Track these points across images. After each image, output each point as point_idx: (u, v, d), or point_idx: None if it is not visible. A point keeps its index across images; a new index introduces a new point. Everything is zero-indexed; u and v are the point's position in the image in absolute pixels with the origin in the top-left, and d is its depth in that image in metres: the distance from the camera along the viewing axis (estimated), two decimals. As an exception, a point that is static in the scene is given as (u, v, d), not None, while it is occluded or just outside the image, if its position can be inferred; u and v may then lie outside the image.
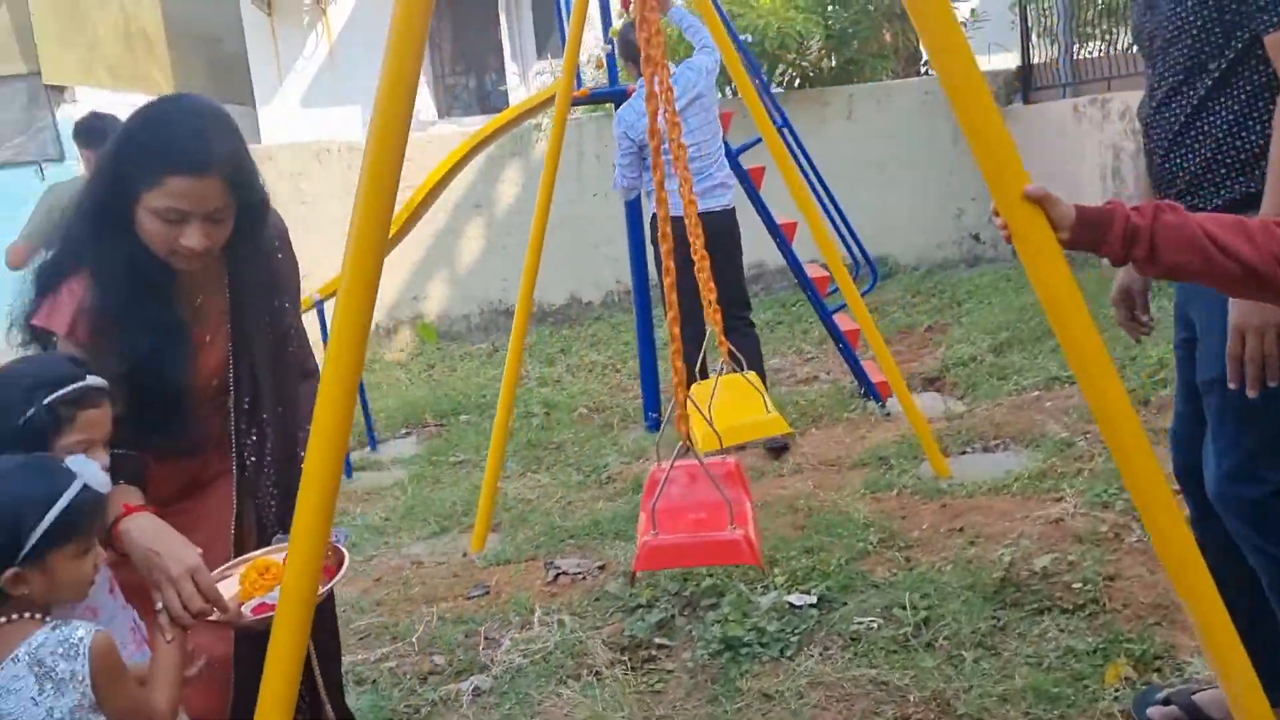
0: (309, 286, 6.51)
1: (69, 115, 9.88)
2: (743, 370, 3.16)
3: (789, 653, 3.32)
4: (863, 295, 6.77)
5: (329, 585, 2.10)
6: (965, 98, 1.66)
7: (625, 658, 3.41)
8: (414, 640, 3.73)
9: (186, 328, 2.15)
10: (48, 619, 1.62)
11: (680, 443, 2.50)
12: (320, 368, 2.06)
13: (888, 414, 5.65)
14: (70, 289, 2.03)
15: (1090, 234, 1.69)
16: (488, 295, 9.70)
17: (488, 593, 4.10)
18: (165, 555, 1.90)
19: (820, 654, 3.30)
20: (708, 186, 5.29)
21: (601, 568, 4.17)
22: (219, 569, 2.09)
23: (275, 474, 2.28)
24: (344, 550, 2.16)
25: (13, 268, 5.41)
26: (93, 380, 1.86)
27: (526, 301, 4.65)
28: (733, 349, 3.17)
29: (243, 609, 2.01)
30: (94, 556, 1.70)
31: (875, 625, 3.40)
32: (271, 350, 2.27)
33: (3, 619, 1.60)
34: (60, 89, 9.78)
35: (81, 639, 1.60)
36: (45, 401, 1.78)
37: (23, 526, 1.59)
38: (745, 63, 6.56)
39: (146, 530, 1.94)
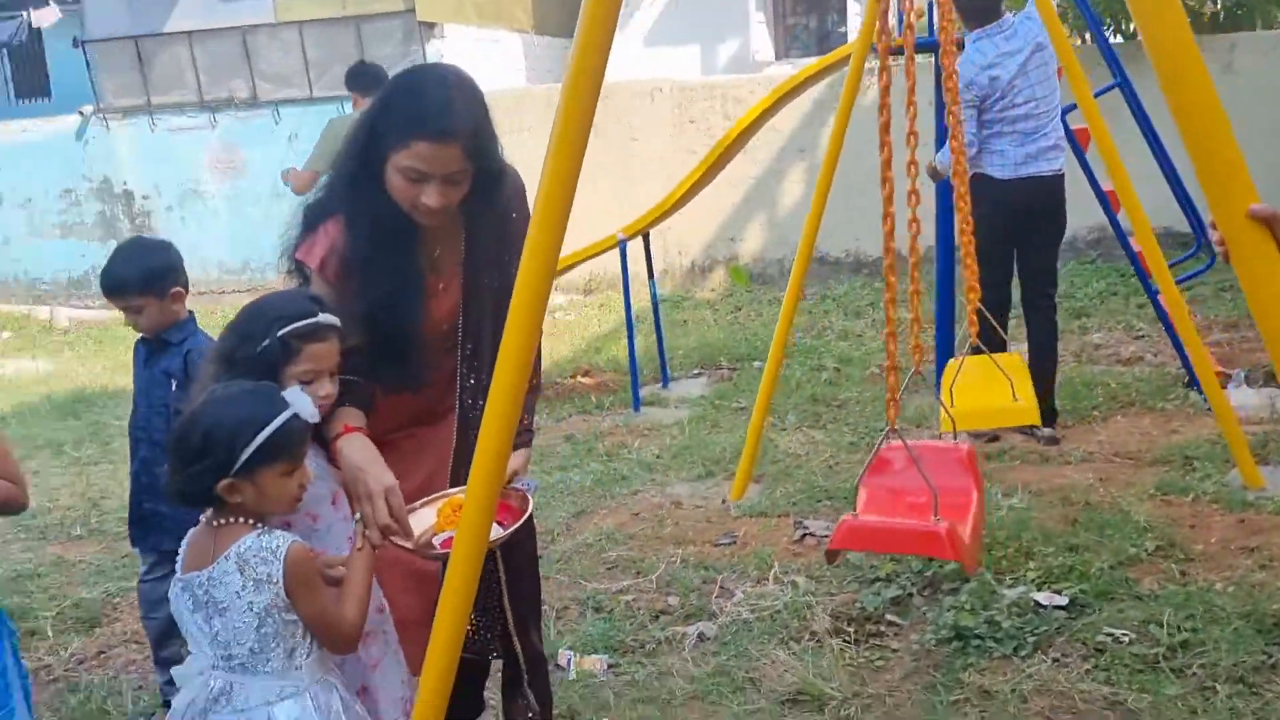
0: (623, 223, 6.82)
1: (438, 50, 10.80)
2: (994, 349, 2.98)
3: (1022, 652, 3.15)
4: (1201, 273, 6.15)
5: (509, 530, 2.22)
6: (1185, 96, 1.47)
7: (850, 629, 3.38)
8: (654, 578, 3.88)
9: (423, 276, 2.34)
10: (258, 526, 1.86)
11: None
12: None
13: (1209, 409, 5.11)
14: (327, 229, 2.27)
15: None
16: (796, 241, 9.64)
17: (734, 542, 4.17)
18: (368, 474, 2.10)
19: (1055, 660, 3.10)
20: (1042, 148, 4.90)
21: (852, 534, 4.12)
22: (424, 499, 2.27)
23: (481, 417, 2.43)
24: (530, 499, 2.27)
25: (297, 192, 6.11)
26: (324, 317, 2.08)
27: (806, 251, 4.61)
28: (989, 330, 3.00)
29: (434, 540, 2.18)
30: (300, 476, 1.92)
31: (1126, 639, 3.15)
32: (496, 302, 2.41)
33: (220, 521, 1.86)
34: (431, 25, 10.67)
35: (279, 548, 1.83)
36: (279, 334, 2.03)
37: (237, 444, 1.83)
38: (1083, 13, 6.04)
39: (358, 450, 2.15)
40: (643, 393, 6.47)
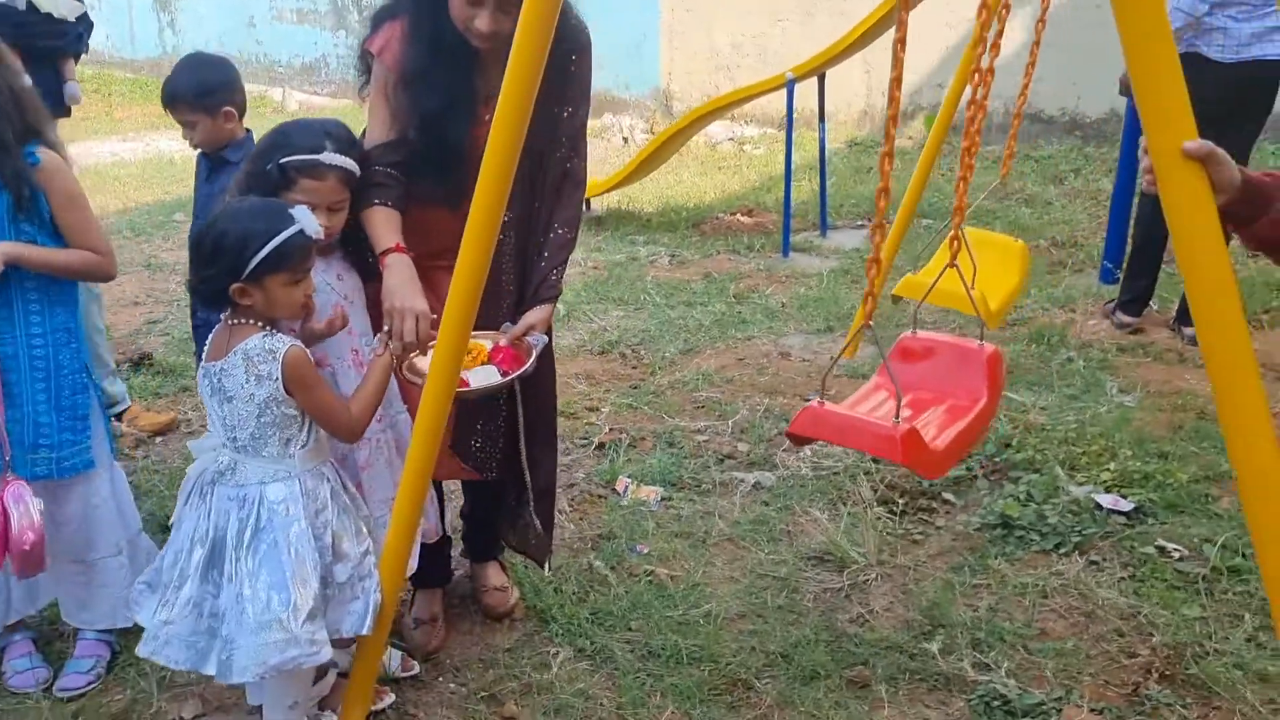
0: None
1: None
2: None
3: (1061, 550, 3.13)
4: None
5: (501, 381, 2.37)
6: (1134, 18, 1.38)
7: (901, 501, 3.42)
8: (732, 422, 4.01)
9: (473, 101, 2.43)
10: (265, 328, 2.10)
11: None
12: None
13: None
14: (392, 26, 2.42)
15: (1249, 207, 1.37)
16: (1012, 95, 9.07)
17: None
18: (404, 293, 2.28)
19: (1092, 563, 3.07)
20: (1269, 26, 4.40)
21: (947, 408, 4.09)
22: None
23: (515, 261, 2.54)
24: (533, 355, 2.40)
25: None
26: (326, 156, 2.25)
27: (950, 108, 4.37)
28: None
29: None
30: (305, 286, 2.13)
31: (1176, 554, 3.07)
32: (541, 149, 2.48)
33: (235, 321, 2.11)
34: None
35: (278, 350, 2.07)
36: (280, 161, 2.23)
37: (247, 251, 2.03)
38: None
39: (402, 269, 2.32)
40: (797, 239, 6.44)
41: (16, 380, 2.41)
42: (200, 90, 2.93)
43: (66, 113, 4.06)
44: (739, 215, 7.02)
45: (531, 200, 2.52)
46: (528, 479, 2.69)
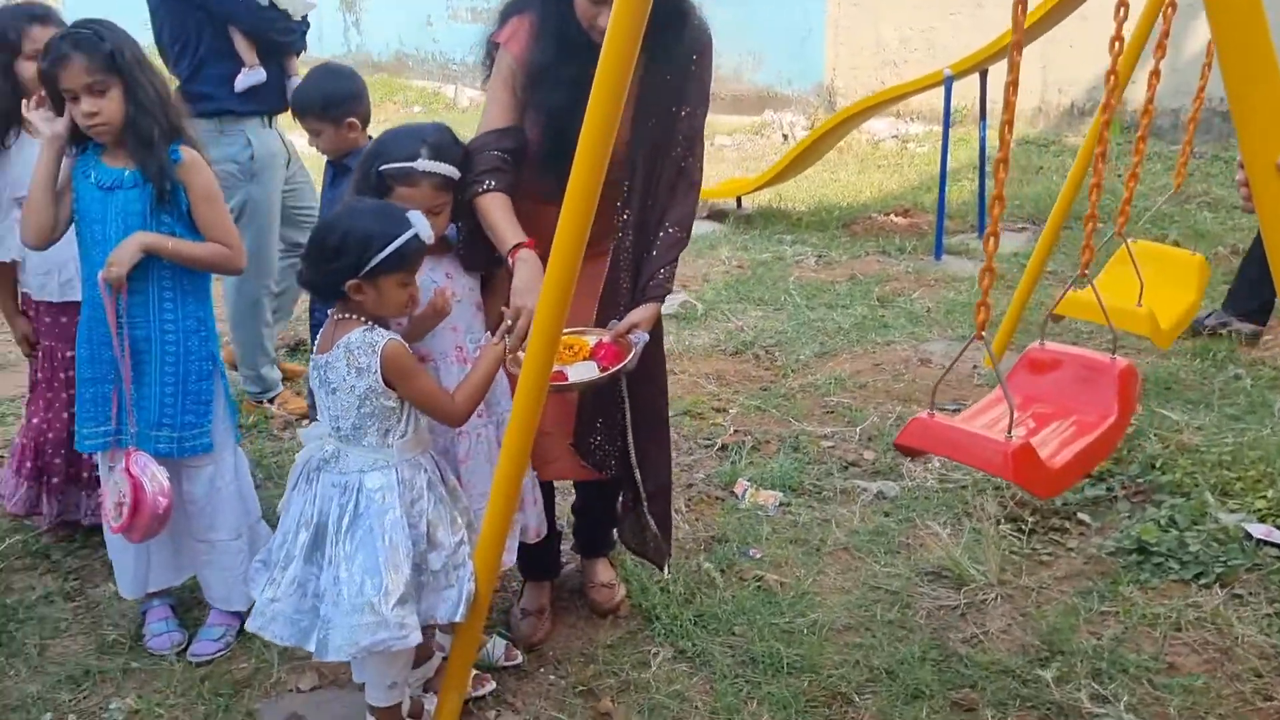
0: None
1: None
2: None
3: (1202, 580, 2.93)
4: None
5: (596, 377, 2.37)
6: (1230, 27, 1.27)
7: (1031, 519, 3.27)
8: (860, 429, 3.92)
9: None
10: (366, 323, 2.18)
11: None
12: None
13: None
14: (520, 20, 2.47)
15: None
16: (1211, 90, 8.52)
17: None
18: (524, 291, 2.30)
19: (1234, 598, 2.87)
20: None
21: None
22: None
23: (631, 260, 2.54)
24: (633, 351, 2.40)
25: None
26: (420, 164, 2.32)
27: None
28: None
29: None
30: (411, 288, 2.20)
31: (1333, 595, 2.83)
32: (657, 147, 2.49)
33: (340, 316, 2.20)
34: None
35: (377, 343, 2.14)
36: (378, 169, 2.32)
37: (368, 251, 2.12)
38: None
39: (529, 266, 2.34)
40: (952, 241, 6.24)
41: (147, 362, 2.58)
42: (326, 102, 3.04)
43: (286, 106, 4.17)
44: (893, 215, 6.85)
45: (647, 199, 2.53)
46: (638, 478, 2.70)
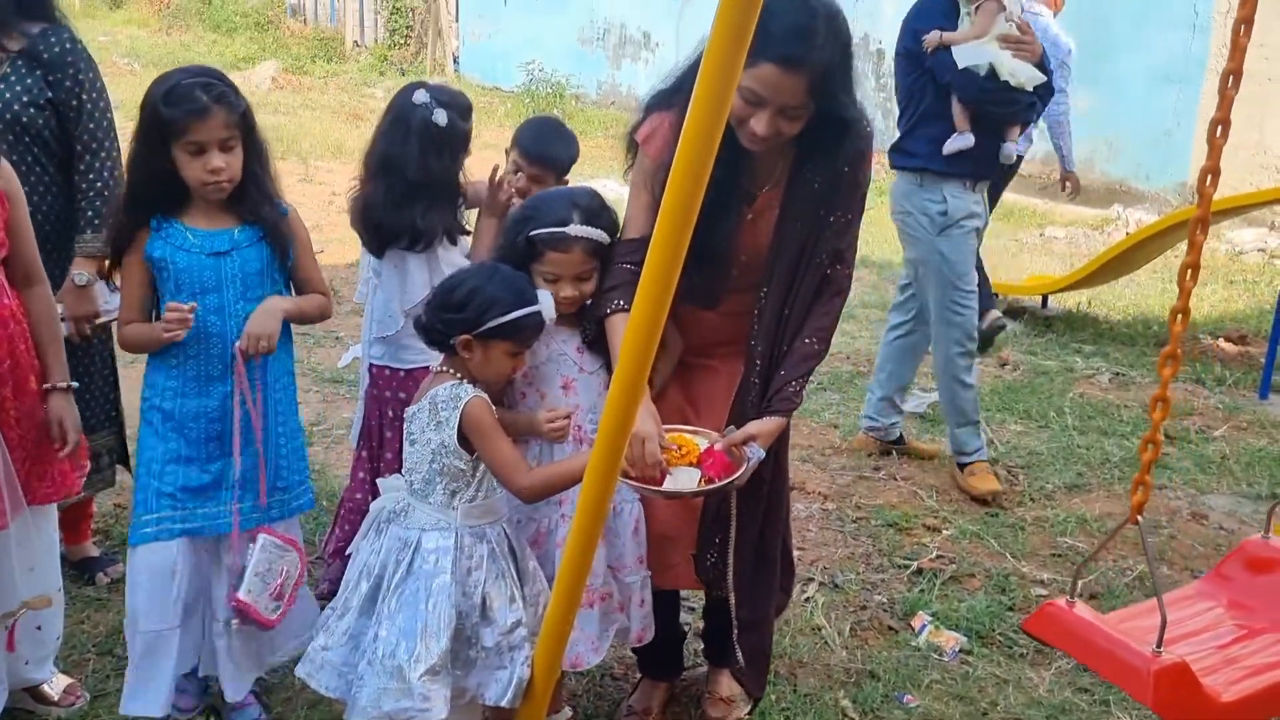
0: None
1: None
2: None
3: None
4: None
5: (700, 489, 2.18)
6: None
7: None
8: (1086, 583, 3.36)
9: (739, 200, 2.28)
10: (460, 378, 2.10)
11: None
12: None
13: None
14: (661, 117, 2.30)
15: None
16: None
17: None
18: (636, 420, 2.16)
19: None
20: None
21: None
22: (670, 428, 2.27)
23: (762, 369, 2.34)
24: (745, 466, 2.20)
25: None
26: (572, 229, 2.21)
27: None
28: None
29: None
30: (519, 361, 2.14)
31: None
32: (802, 255, 2.29)
33: (439, 369, 2.14)
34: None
35: (462, 398, 2.06)
36: (529, 234, 2.23)
37: (490, 312, 2.07)
38: None
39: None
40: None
41: (265, 426, 2.43)
42: (573, 161, 2.98)
43: (1001, 170, 4.20)
44: (1223, 340, 5.98)
45: (784, 308, 2.33)
46: (732, 602, 2.45)
